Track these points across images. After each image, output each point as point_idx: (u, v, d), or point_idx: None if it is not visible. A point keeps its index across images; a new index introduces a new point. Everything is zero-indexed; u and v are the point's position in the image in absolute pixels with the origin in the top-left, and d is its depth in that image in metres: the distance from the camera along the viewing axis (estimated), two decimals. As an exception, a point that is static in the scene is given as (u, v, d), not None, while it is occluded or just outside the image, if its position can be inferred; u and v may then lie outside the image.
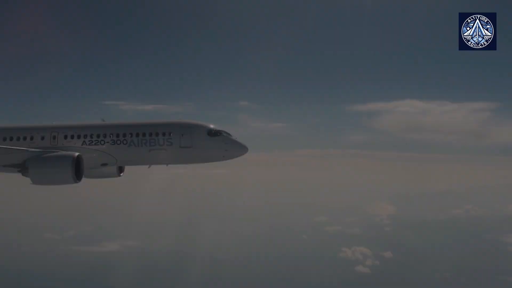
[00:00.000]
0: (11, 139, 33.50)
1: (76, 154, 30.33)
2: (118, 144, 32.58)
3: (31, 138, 33.24)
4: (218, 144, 31.64)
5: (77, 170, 29.85)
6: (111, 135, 32.77)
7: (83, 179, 31.02)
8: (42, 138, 33.15)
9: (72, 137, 33.01)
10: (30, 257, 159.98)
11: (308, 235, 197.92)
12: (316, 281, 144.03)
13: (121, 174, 36.79)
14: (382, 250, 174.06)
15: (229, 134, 32.02)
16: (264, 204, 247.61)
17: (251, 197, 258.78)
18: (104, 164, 33.69)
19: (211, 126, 32.30)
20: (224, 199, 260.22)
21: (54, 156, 30.72)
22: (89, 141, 32.76)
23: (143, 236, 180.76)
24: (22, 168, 31.39)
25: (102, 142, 32.70)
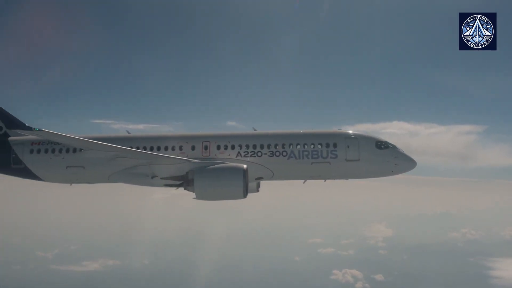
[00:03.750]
0: (159, 149, 30.41)
1: (244, 166, 27.72)
2: (277, 156, 29.92)
3: (180, 148, 30.47)
4: (388, 158, 29.26)
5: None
6: (269, 146, 30.09)
7: None
8: (193, 148, 30.44)
9: (226, 147, 30.36)
10: (19, 276, 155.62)
11: (300, 257, 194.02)
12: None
13: (259, 190, 34.01)
14: (374, 273, 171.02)
15: (395, 146, 29.62)
16: (258, 224, 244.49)
17: (245, 218, 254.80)
18: (259, 178, 31.01)
19: (378, 137, 30.21)
20: (216, 220, 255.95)
21: (222, 168, 27.96)
22: (244, 152, 30.12)
23: (128, 256, 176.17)
24: (185, 181, 28.34)
25: (259, 154, 29.98)
